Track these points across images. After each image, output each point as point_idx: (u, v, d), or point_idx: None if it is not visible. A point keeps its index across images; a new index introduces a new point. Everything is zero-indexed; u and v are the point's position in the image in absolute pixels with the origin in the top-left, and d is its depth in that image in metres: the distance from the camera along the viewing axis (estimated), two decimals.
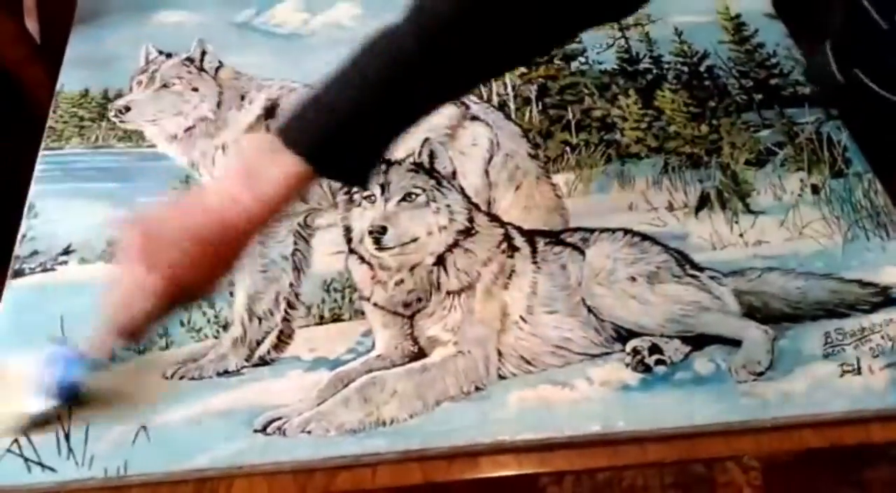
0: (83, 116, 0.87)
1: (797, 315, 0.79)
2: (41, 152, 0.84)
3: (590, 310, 0.78)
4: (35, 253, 0.76)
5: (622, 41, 1.06)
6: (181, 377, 0.70)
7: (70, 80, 0.90)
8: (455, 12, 0.61)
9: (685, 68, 1.03)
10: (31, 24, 0.97)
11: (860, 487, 0.74)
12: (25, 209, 0.79)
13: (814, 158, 0.94)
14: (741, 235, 0.86)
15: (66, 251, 0.77)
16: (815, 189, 0.91)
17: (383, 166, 0.81)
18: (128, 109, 0.87)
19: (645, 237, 0.84)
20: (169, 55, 0.92)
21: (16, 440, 0.65)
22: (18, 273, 0.75)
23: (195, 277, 0.61)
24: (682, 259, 0.83)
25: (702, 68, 1.03)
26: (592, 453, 0.71)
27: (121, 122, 0.87)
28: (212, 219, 0.60)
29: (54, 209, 0.79)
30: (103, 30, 0.95)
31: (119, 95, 0.89)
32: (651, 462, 0.72)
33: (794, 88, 1.02)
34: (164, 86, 0.89)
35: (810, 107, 0.99)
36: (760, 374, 0.74)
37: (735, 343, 0.77)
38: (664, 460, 0.72)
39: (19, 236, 0.77)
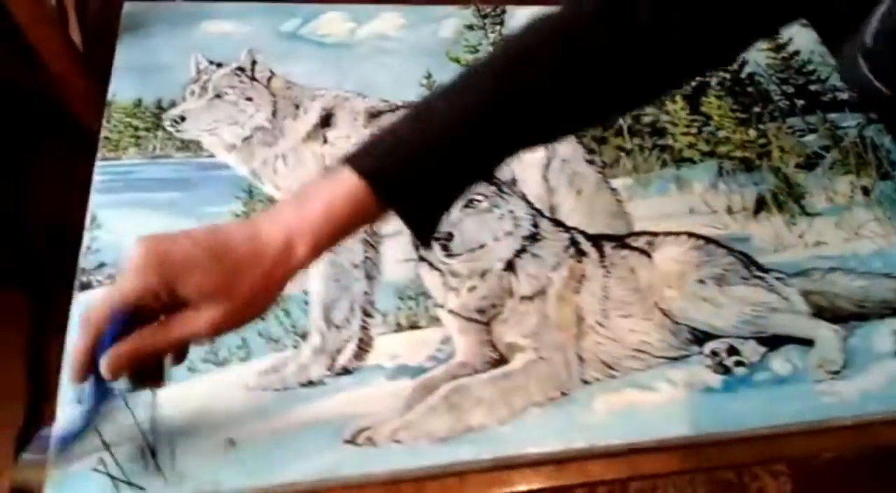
0: (138, 125, 0.85)
1: (864, 314, 0.80)
2: (98, 162, 0.82)
3: (663, 313, 0.78)
4: (102, 265, 0.74)
5: None
6: (264, 389, 0.68)
7: (121, 90, 0.88)
8: (544, 51, 0.56)
9: (727, 75, 1.04)
10: (74, 35, 0.95)
11: None
12: (87, 220, 0.77)
13: (860, 161, 0.96)
14: (800, 237, 0.87)
15: None
16: (866, 191, 0.93)
17: None
18: (183, 118, 0.86)
19: (709, 240, 0.84)
20: (219, 65, 0.91)
21: (101, 458, 0.63)
22: (86, 286, 0.73)
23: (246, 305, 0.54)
24: (748, 261, 0.83)
25: (743, 75, 1.04)
26: (680, 455, 0.70)
27: (177, 131, 0.86)
28: (260, 259, 0.54)
29: (117, 220, 0.77)
30: (150, 39, 0.93)
31: (172, 105, 0.88)
32: (738, 463, 0.72)
33: (833, 94, 1.04)
34: (218, 96, 0.88)
35: (851, 112, 1.01)
36: (836, 372, 0.75)
37: (808, 343, 0.77)
38: (749, 461, 0.72)
39: (83, 248, 0.75)
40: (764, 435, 0.72)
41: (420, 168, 0.55)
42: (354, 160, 0.55)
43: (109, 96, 0.87)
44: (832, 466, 0.71)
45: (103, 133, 0.84)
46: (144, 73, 0.90)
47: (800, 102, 1.02)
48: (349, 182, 0.54)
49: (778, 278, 0.82)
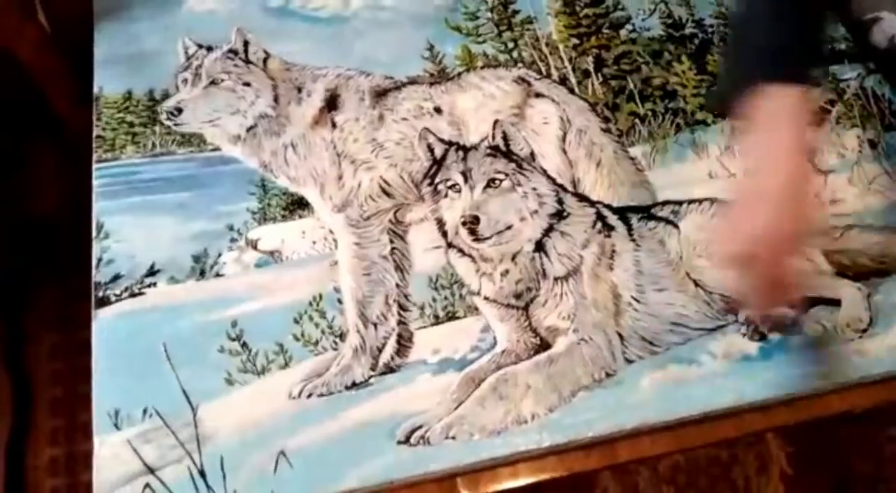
0: (132, 121, 0.80)
1: (884, 270, 0.82)
2: (95, 164, 0.76)
3: (696, 284, 0.78)
4: (118, 277, 0.70)
5: (663, 6, 1.04)
6: (309, 395, 0.66)
7: (107, 82, 0.82)
8: None
9: (728, 30, 1.02)
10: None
11: None
12: (94, 229, 0.72)
13: (864, 113, 0.96)
14: (817, 195, 0.87)
15: (152, 272, 0.71)
16: (873, 144, 0.93)
17: (461, 153, 0.78)
18: (179, 110, 0.80)
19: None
20: (210, 48, 0.85)
21: (147, 484, 0.60)
22: (104, 301, 0.69)
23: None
24: None
25: None
26: (721, 426, 0.71)
27: (175, 125, 0.80)
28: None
29: (126, 227, 0.73)
30: (131, 23, 0.86)
31: (166, 96, 0.82)
32: (775, 427, 0.73)
33: (832, 45, 1.03)
34: (213, 83, 0.82)
35: (850, 62, 1.01)
36: (864, 331, 0.76)
37: (835, 303, 0.78)
38: (787, 423, 0.74)
39: (94, 261, 0.71)
40: (801, 397, 0.73)
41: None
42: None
43: (96, 90, 0.81)
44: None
45: (96, 131, 0.78)
46: (130, 62, 0.84)
47: None
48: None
49: None
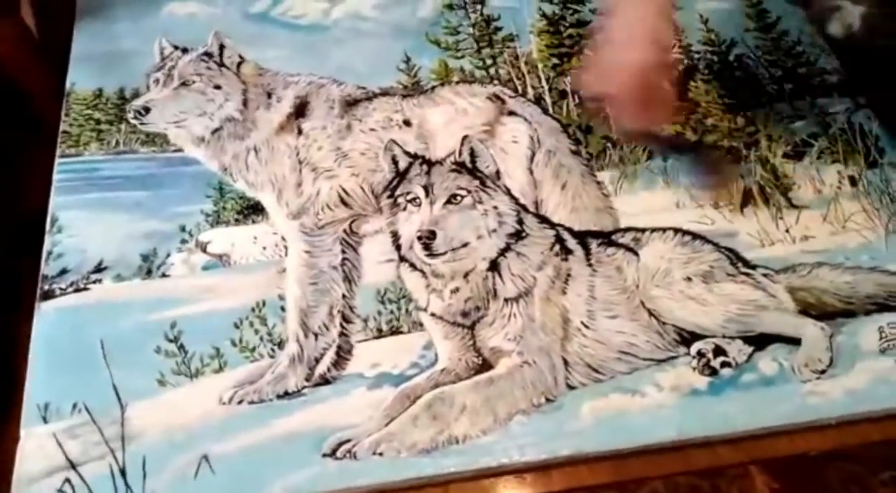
0: (99, 118, 0.81)
1: (850, 310, 0.79)
2: (58, 160, 0.77)
3: (650, 313, 0.76)
4: (64, 272, 0.70)
5: None
6: (240, 401, 0.66)
7: (80, 79, 0.83)
8: None
9: (715, 57, 1.01)
10: (28, 20, 0.89)
11: None
12: (48, 223, 0.73)
13: (848, 148, 0.94)
14: (787, 231, 0.85)
15: (99, 268, 0.71)
16: (853, 181, 0.91)
17: (425, 167, 0.77)
18: (147, 109, 0.81)
19: (696, 236, 0.82)
20: (185, 50, 0.86)
21: (67, 479, 0.60)
22: (48, 295, 0.69)
23: None
24: (735, 257, 0.81)
25: (731, 57, 1.01)
26: (666, 459, 0.70)
27: (141, 124, 0.81)
28: None
29: (80, 222, 0.73)
30: (110, 23, 0.88)
31: (136, 95, 0.83)
32: (723, 466, 0.71)
33: (822, 77, 1.01)
34: (184, 84, 0.83)
35: (839, 96, 0.99)
36: (823, 372, 0.74)
37: (795, 342, 0.76)
38: (733, 462, 0.72)
39: (44, 253, 0.71)
40: (750, 436, 0.71)
41: None
42: None
43: (68, 86, 0.82)
44: (816, 465, 0.70)
45: (63, 127, 0.79)
46: (105, 61, 0.85)
47: (788, 87, 0.99)
48: None
49: (765, 274, 0.80)
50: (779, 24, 1.05)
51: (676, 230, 0.82)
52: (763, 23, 1.06)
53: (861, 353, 0.76)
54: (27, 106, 0.88)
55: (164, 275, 0.72)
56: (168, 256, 0.73)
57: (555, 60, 0.97)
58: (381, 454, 0.64)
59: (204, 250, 0.74)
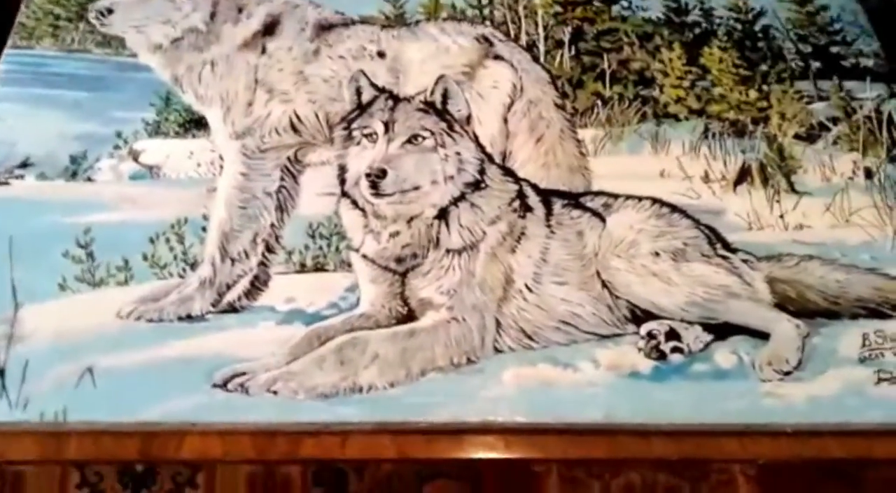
0: (59, 13, 0.77)
1: (834, 311, 0.71)
2: (6, 50, 0.74)
3: (604, 284, 0.69)
4: None
5: None
6: (138, 318, 0.62)
7: None
8: None
9: (738, 25, 0.92)
10: None
11: None
12: None
13: (871, 138, 0.84)
14: (781, 217, 0.77)
15: (24, 164, 0.68)
16: (869, 173, 0.82)
17: (390, 102, 0.72)
18: (110, 11, 0.77)
19: (675, 209, 0.74)
20: None
21: None
22: None
23: None
24: (714, 237, 0.74)
25: (756, 27, 0.92)
26: (591, 442, 0.63)
27: (101, 25, 0.77)
28: None
29: (16, 116, 0.71)
30: None
31: None
32: (654, 458, 0.65)
33: (857, 59, 0.91)
34: None
35: (872, 81, 0.89)
36: (788, 373, 0.66)
37: (763, 336, 0.68)
38: (668, 457, 0.65)
39: None
40: (692, 432, 0.64)
41: None
42: None
43: None
44: (762, 474, 0.63)
45: (19, 19, 0.77)
46: None
47: (815, 65, 0.90)
48: None
49: (744, 260, 0.73)
50: None
51: (654, 200, 0.75)
52: None
53: (837, 359, 0.68)
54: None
55: (89, 179, 0.69)
56: (98, 160, 0.70)
57: (557, 8, 0.89)
58: (275, 392, 0.60)
59: (136, 159, 0.71)
